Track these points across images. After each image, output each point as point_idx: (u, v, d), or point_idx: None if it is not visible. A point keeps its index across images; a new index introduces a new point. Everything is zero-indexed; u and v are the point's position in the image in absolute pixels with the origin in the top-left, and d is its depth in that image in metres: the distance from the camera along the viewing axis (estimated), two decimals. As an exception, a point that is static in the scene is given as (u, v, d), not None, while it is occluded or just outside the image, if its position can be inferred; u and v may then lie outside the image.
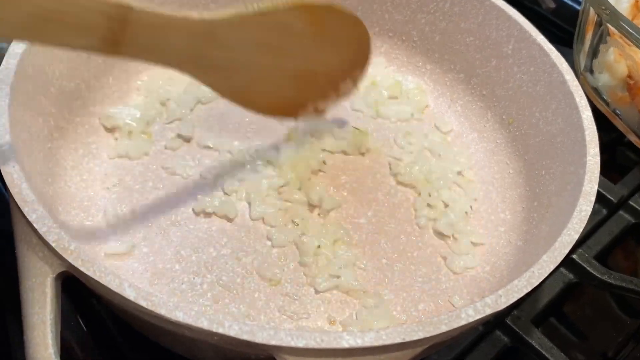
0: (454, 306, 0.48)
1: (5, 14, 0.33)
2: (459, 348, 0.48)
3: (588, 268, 0.53)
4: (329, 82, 0.53)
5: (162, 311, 0.33)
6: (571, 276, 0.54)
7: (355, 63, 0.53)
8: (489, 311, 0.35)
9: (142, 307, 0.33)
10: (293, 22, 0.46)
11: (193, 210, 0.51)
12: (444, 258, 0.51)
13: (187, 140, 0.56)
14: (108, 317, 0.48)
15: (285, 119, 0.54)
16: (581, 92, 0.49)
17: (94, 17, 0.36)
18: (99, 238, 0.48)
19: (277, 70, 0.48)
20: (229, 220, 0.51)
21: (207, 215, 0.51)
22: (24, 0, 0.33)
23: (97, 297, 0.48)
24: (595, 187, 0.43)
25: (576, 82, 0.50)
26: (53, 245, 0.35)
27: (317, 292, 0.48)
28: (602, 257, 0.56)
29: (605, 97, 0.65)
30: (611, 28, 0.61)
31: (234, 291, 0.47)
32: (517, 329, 0.48)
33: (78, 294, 0.47)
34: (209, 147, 0.56)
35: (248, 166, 0.55)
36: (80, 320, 0.48)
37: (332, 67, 0.52)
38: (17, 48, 0.45)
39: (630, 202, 0.59)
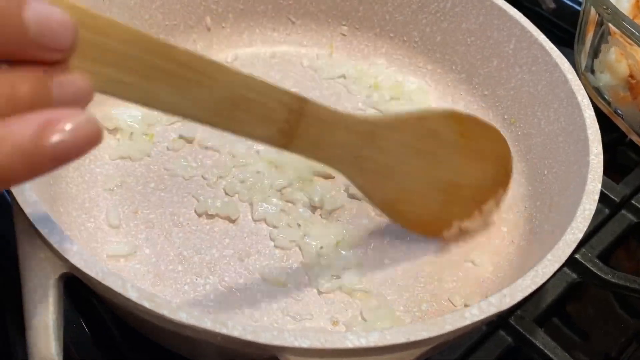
0: (455, 306, 0.48)
1: (203, 95, 0.32)
2: (462, 348, 0.48)
3: (591, 268, 0.53)
4: (473, 199, 0.51)
5: (165, 312, 0.32)
6: (574, 276, 0.53)
7: (497, 181, 0.51)
8: (493, 310, 0.35)
9: (144, 307, 0.33)
10: (445, 131, 0.46)
11: (195, 211, 0.51)
12: (447, 258, 0.51)
13: (189, 141, 0.56)
14: (110, 319, 0.48)
15: (430, 236, 0.51)
16: (583, 92, 0.49)
17: (277, 107, 0.36)
18: (101, 239, 0.48)
19: (426, 180, 0.47)
20: (232, 221, 0.51)
21: (210, 216, 0.51)
22: (223, 84, 0.33)
23: (99, 299, 0.47)
24: (599, 186, 0.43)
25: (578, 82, 0.50)
26: (55, 246, 0.34)
27: (320, 293, 0.47)
28: (605, 257, 0.56)
29: (606, 97, 0.65)
30: (612, 27, 0.61)
31: (237, 292, 0.47)
32: (520, 329, 0.48)
33: (80, 295, 0.47)
34: (210, 148, 0.56)
35: (250, 167, 0.55)
36: (82, 322, 0.48)
37: (477, 182, 0.50)
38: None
39: (633, 202, 0.59)
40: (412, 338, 0.33)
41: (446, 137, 0.46)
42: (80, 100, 0.25)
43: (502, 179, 0.51)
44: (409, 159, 0.45)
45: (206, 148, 0.56)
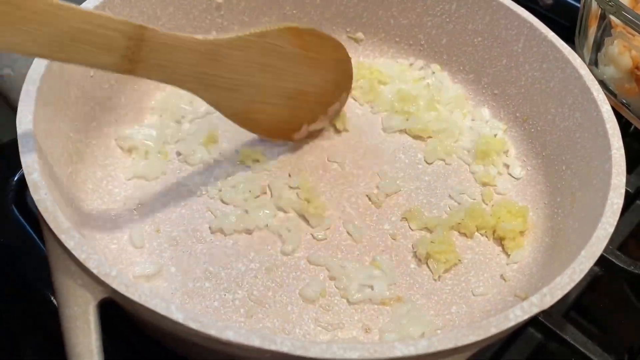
0: (485, 307, 0.48)
1: (40, 32, 0.35)
2: (493, 349, 0.48)
3: (614, 260, 0.53)
4: (318, 104, 0.56)
5: (212, 332, 0.32)
6: (596, 269, 0.54)
7: (340, 86, 0.57)
8: (535, 310, 0.35)
9: (191, 329, 0.32)
10: (285, 45, 0.50)
11: (210, 228, 0.51)
12: (470, 258, 0.51)
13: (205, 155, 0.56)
14: (138, 342, 0.48)
15: (281, 140, 0.57)
16: (597, 87, 0.50)
17: (115, 35, 0.39)
18: (126, 261, 0.48)
19: (273, 90, 0.52)
20: (250, 233, 0.51)
21: (230, 230, 0.51)
22: (59, 20, 0.36)
23: (130, 322, 0.47)
24: (624, 180, 0.43)
25: (592, 77, 0.50)
26: (94, 271, 0.34)
27: (350, 303, 0.47)
28: (622, 249, 0.57)
29: (612, 89, 0.66)
30: (614, 20, 0.61)
31: (267, 305, 0.47)
32: (550, 325, 0.49)
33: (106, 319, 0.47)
34: (225, 163, 0.55)
35: (267, 180, 0.54)
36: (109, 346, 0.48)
37: (320, 89, 0.55)
38: (34, 74, 0.44)
39: (647, 192, 0.60)
40: (460, 343, 0.33)
41: (287, 50, 0.50)
42: None
43: (344, 83, 0.57)
44: (254, 73, 0.49)
45: (220, 162, 0.55)
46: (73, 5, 0.37)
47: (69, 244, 0.35)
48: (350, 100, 0.62)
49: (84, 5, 0.50)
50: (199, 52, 0.45)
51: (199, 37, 0.45)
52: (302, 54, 0.52)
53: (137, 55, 0.41)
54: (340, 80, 0.57)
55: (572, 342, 0.48)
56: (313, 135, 0.58)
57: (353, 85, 0.61)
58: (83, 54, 0.38)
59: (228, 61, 0.47)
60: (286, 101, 0.53)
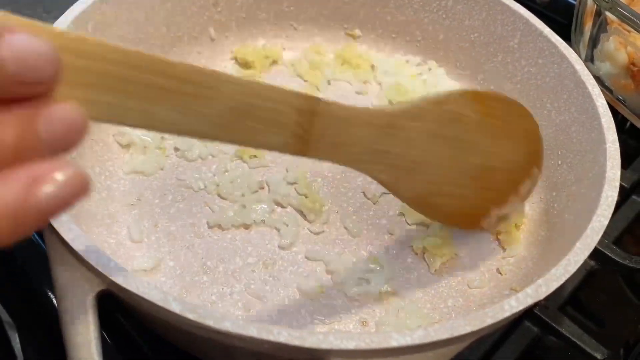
0: (481, 300, 0.49)
1: (207, 109, 0.30)
2: (489, 341, 0.49)
3: (609, 254, 0.53)
4: (508, 182, 0.49)
5: (210, 322, 0.33)
6: (592, 263, 0.54)
7: (530, 159, 0.49)
8: (530, 301, 0.36)
9: (189, 319, 0.33)
10: (467, 112, 0.44)
11: (207, 223, 0.51)
12: (467, 253, 0.51)
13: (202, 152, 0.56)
14: (137, 334, 0.48)
15: (468, 228, 0.51)
16: (593, 81, 0.50)
17: (286, 110, 0.34)
18: (124, 255, 0.48)
19: (456, 167, 0.45)
20: (248, 228, 0.51)
21: (228, 225, 0.51)
22: (226, 94, 0.31)
23: (128, 314, 0.47)
24: (619, 173, 0.43)
25: (587, 72, 0.51)
26: (93, 264, 0.34)
27: (347, 296, 0.48)
28: (618, 243, 0.57)
29: (608, 85, 0.66)
30: (610, 16, 0.62)
31: (264, 299, 0.47)
32: (546, 319, 0.49)
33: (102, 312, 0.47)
34: (223, 158, 0.56)
35: (264, 175, 0.55)
36: (107, 338, 0.48)
37: (509, 164, 0.48)
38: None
39: (643, 187, 0.60)
40: (456, 333, 0.33)
41: (469, 119, 0.44)
42: (75, 133, 0.23)
43: (534, 156, 0.49)
44: (434, 148, 0.43)
45: (218, 157, 0.56)
46: (238, 77, 0.32)
47: (67, 236, 0.35)
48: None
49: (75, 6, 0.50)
50: (376, 125, 0.39)
51: (374, 108, 0.41)
52: (486, 122, 0.45)
53: (309, 133, 0.35)
54: (530, 152, 0.49)
55: (568, 335, 0.48)
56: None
57: (350, 79, 0.61)
58: (250, 134, 0.33)
59: (404, 134, 0.41)
60: (471, 181, 0.46)
